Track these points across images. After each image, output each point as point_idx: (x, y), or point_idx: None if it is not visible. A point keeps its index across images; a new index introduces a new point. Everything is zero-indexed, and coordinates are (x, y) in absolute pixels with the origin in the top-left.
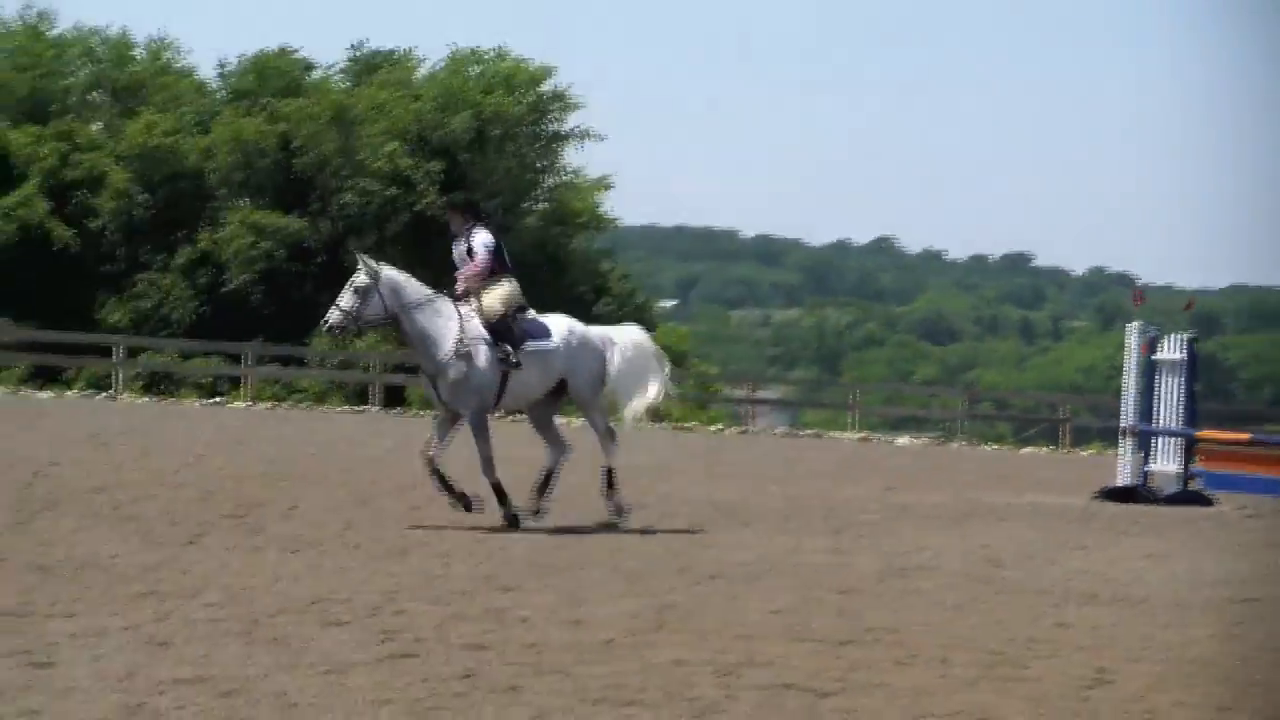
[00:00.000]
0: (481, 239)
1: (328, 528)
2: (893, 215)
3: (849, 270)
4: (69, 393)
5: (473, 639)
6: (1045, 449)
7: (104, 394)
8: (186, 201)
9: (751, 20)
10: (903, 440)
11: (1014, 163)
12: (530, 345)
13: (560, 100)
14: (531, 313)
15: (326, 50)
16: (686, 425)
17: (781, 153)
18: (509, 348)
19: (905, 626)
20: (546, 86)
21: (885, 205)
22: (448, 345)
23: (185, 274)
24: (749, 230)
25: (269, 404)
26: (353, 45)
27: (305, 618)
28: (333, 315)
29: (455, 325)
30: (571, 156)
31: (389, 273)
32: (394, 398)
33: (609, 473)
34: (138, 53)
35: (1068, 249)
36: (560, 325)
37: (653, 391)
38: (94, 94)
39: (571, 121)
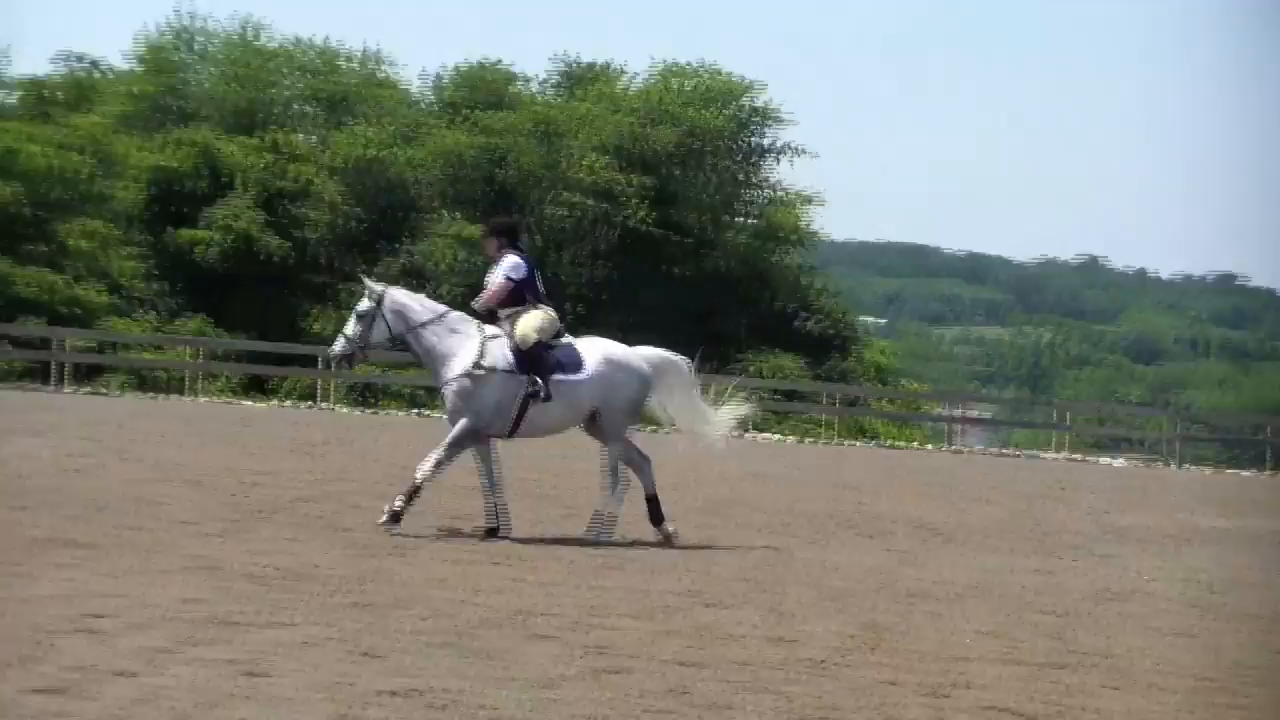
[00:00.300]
0: (504, 266)
1: (535, 541)
2: (1100, 233)
3: (1055, 288)
4: (278, 403)
5: (681, 655)
6: (1252, 471)
7: (312, 404)
8: (394, 213)
9: (957, 38)
10: (1111, 461)
11: (1224, 182)
12: (559, 378)
13: (767, 115)
14: (567, 338)
15: (533, 63)
16: (893, 444)
17: (988, 169)
18: (539, 380)
19: (1117, 651)
20: (753, 101)
21: (1092, 223)
22: (459, 364)
23: (395, 286)
24: (954, 247)
25: None
26: (559, 58)
27: (513, 631)
28: (337, 345)
29: (473, 345)
30: (778, 172)
31: (393, 295)
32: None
33: (603, 517)
34: (347, 64)
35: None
36: (595, 353)
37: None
38: (304, 105)
39: (778, 137)
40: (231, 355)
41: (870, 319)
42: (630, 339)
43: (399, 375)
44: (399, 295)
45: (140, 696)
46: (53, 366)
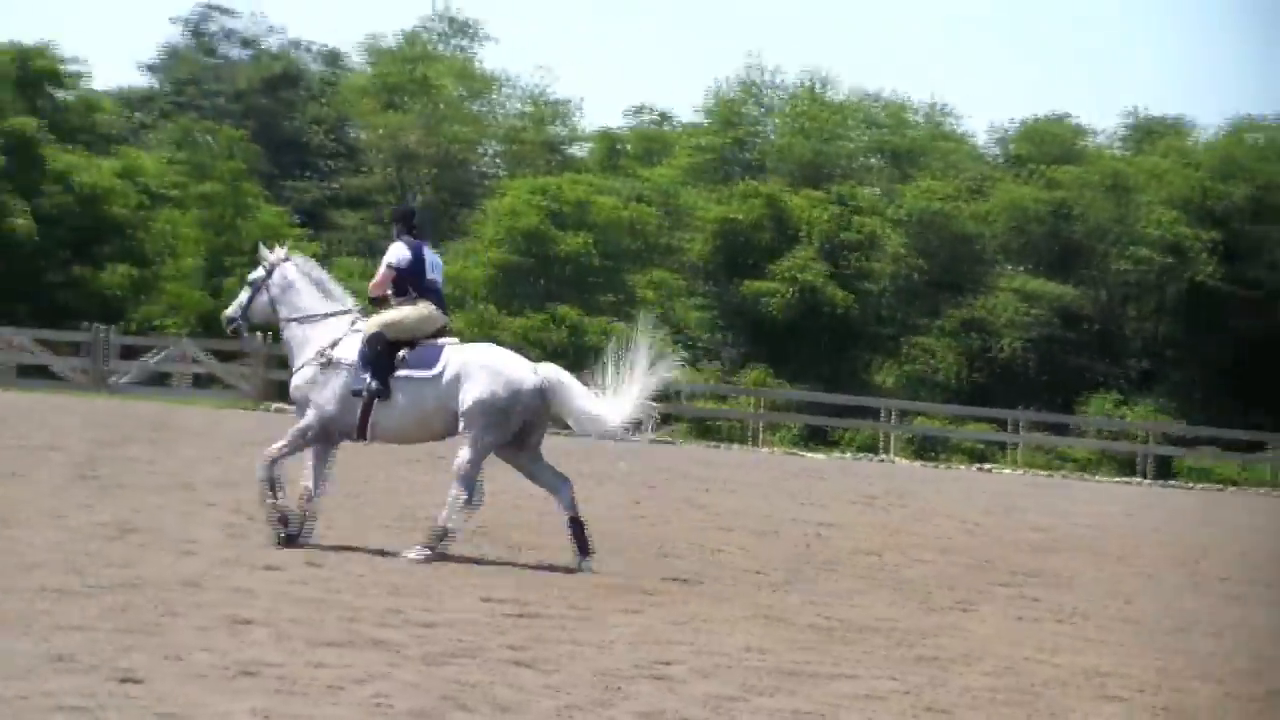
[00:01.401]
0: (389, 253)
1: (1104, 600)
2: None
3: None
4: (839, 454)
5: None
6: None
7: (873, 456)
8: (959, 267)
9: None
10: None
11: None
12: (404, 374)
13: None
14: (444, 341)
15: (1102, 117)
16: None
17: None
18: (366, 376)
19: None
20: None
21: None
22: (306, 354)
23: (955, 339)
24: None
25: (1037, 471)
26: (1129, 112)
27: (1082, 691)
28: (229, 308)
29: (327, 336)
30: None
31: (287, 268)
32: (1164, 469)
33: (573, 523)
34: (915, 118)
35: None
36: (459, 354)
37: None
38: (870, 158)
39: None
40: (793, 406)
41: None
42: (1194, 396)
43: (959, 429)
44: (291, 273)
45: None
46: None
